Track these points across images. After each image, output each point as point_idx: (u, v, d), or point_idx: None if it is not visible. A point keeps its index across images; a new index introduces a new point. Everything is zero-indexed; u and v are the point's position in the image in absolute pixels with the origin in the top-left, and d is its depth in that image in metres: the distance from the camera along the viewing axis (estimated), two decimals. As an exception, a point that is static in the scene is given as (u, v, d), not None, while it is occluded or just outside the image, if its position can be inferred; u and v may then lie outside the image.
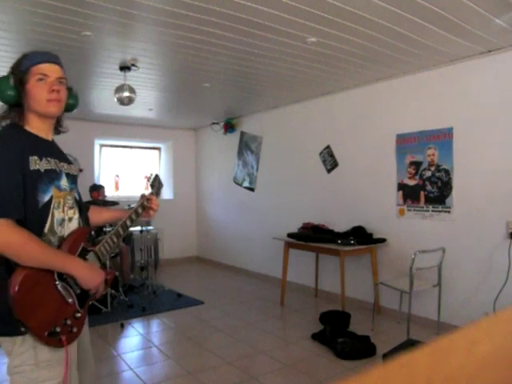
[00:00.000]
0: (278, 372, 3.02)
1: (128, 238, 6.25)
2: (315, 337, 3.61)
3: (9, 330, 1.30)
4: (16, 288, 1.23)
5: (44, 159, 1.41)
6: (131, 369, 3.11)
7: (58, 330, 1.34)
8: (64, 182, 1.49)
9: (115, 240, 1.64)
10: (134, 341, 3.75)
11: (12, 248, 1.25)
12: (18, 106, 1.43)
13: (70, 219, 1.49)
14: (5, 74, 1.47)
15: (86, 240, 1.53)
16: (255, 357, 3.30)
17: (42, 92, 1.40)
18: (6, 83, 1.40)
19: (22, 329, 1.28)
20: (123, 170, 7.30)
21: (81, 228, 1.54)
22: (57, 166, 1.47)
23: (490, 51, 3.41)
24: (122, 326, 4.02)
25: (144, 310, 4.47)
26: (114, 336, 3.85)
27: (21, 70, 1.41)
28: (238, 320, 4.21)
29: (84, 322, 1.51)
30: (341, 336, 3.44)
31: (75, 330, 1.41)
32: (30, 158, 1.36)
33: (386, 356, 3.05)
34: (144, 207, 1.78)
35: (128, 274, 5.34)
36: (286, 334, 3.93)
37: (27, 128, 1.44)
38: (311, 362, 3.17)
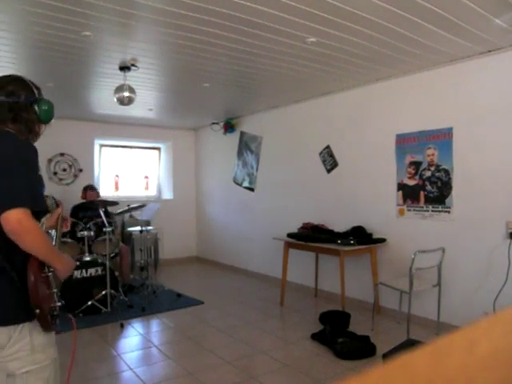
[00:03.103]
0: (277, 372, 3.03)
1: (128, 238, 6.26)
2: (315, 337, 3.61)
3: (24, 317, 1.39)
4: (32, 277, 1.38)
5: None
6: (131, 369, 3.11)
7: (56, 313, 1.49)
8: None
9: None
10: (134, 341, 3.75)
11: (33, 234, 1.35)
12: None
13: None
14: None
15: None
16: (255, 357, 3.30)
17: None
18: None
19: (37, 310, 1.38)
20: (123, 170, 7.30)
21: None
22: None
23: (489, 51, 3.41)
24: (122, 326, 4.02)
25: (144, 310, 4.47)
26: (113, 336, 3.85)
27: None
28: (238, 320, 4.21)
29: None
30: (341, 336, 3.45)
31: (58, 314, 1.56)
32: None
33: (385, 356, 3.05)
34: (61, 224, 1.78)
35: (128, 274, 5.34)
36: (286, 334, 3.93)
37: None
38: (311, 362, 3.17)
